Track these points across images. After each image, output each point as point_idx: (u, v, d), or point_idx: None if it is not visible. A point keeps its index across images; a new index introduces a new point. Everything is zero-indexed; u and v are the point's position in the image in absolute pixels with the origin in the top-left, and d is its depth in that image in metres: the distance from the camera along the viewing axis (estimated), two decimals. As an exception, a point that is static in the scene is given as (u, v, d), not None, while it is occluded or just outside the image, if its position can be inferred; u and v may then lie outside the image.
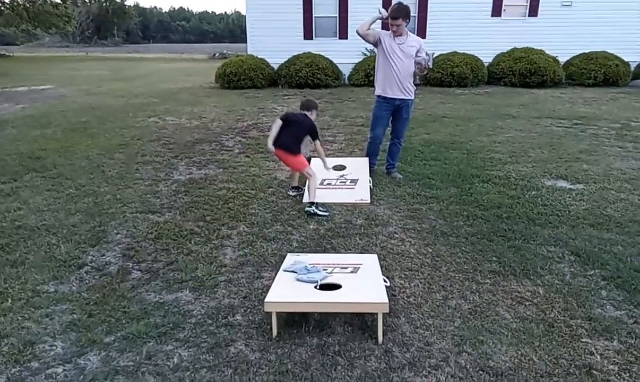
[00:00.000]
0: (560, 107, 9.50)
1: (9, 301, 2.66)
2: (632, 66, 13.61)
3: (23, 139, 6.77)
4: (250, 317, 2.50)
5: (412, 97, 4.76)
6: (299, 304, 2.38)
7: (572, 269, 2.95)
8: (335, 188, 4.49)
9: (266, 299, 2.36)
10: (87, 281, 2.90)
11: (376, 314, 2.28)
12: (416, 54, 4.56)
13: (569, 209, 3.95)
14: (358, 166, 4.81)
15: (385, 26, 4.77)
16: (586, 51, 13.63)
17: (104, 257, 3.22)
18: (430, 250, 3.25)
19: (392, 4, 4.56)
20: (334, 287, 2.47)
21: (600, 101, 10.25)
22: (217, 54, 34.05)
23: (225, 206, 4.18)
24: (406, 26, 4.53)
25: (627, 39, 14.17)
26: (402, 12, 4.45)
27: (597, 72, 13.02)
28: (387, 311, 2.29)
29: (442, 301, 2.61)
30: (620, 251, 3.16)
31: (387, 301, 2.27)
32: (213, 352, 2.23)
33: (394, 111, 4.79)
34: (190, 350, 2.25)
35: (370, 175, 4.66)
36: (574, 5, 14.96)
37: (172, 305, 2.63)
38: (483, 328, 2.36)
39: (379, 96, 4.78)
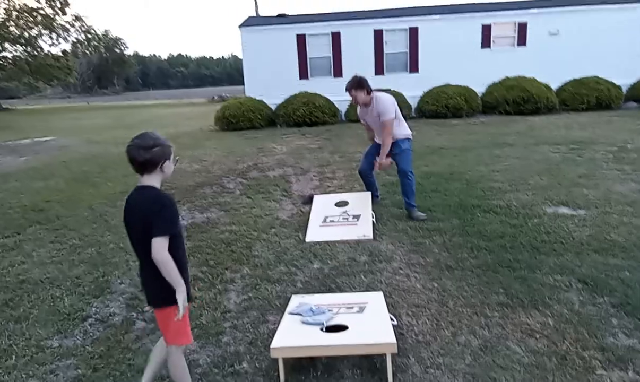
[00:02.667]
0: (555, 133, 9.61)
1: (13, 357, 2.62)
2: (624, 89, 13.83)
3: (26, 191, 6.82)
4: (257, 364, 2.46)
5: (401, 137, 4.69)
6: (306, 348, 2.34)
7: (581, 298, 2.92)
8: (338, 225, 4.50)
9: (272, 345, 2.33)
10: (91, 334, 2.87)
11: (385, 355, 2.24)
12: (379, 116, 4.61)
13: (573, 235, 3.94)
14: (360, 201, 4.83)
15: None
16: (577, 77, 13.90)
17: (107, 308, 3.20)
18: (436, 285, 3.22)
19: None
20: (341, 328, 2.44)
21: (595, 125, 10.37)
22: (215, 97, 34.77)
23: (228, 249, 4.18)
24: (366, 95, 4.56)
25: (616, 63, 14.46)
26: (350, 84, 4.56)
27: (590, 96, 13.24)
28: (396, 352, 2.25)
29: (452, 338, 2.57)
30: (627, 276, 3.13)
31: (395, 341, 2.24)
32: (220, 403, 2.18)
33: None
34: (197, 402, 2.20)
35: (373, 209, 4.67)
36: (561, 34, 15.37)
37: (177, 355, 2.59)
38: (495, 364, 2.31)
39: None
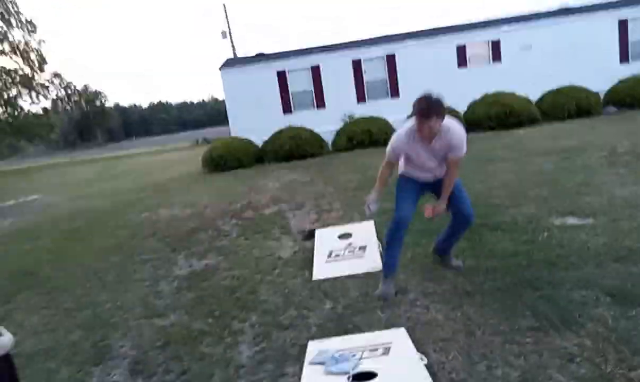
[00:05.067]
0: (543, 143, 9.65)
1: None
2: (601, 95, 14.13)
3: (13, 255, 6.54)
4: (282, 425, 2.25)
5: None
6: (336, 402, 2.15)
7: (612, 312, 2.78)
8: (344, 259, 4.33)
9: (298, 402, 2.13)
10: (95, 409, 2.63)
11: (422, 400, 2.06)
12: (447, 154, 3.36)
13: (587, 246, 3.82)
14: (364, 231, 4.69)
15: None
16: (554, 87, 14.18)
17: (110, 376, 2.95)
18: (458, 314, 3.05)
19: (418, 98, 3.19)
20: (369, 376, 2.26)
21: (581, 132, 10.48)
22: (199, 141, 34.75)
23: (233, 296, 3.97)
24: (440, 122, 3.19)
25: (590, 70, 14.85)
26: (433, 108, 3.12)
27: (570, 105, 13.48)
28: (434, 397, 2.07)
29: (487, 372, 2.39)
30: (654, 284, 3.02)
31: (432, 384, 2.06)
32: None
33: (437, 192, 3.62)
34: None
35: (378, 238, 4.52)
36: (534, 48, 15.79)
37: (192, 423, 2.37)
38: (540, 397, 2.14)
39: (402, 175, 3.65)
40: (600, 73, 14.72)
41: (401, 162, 3.63)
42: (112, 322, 3.77)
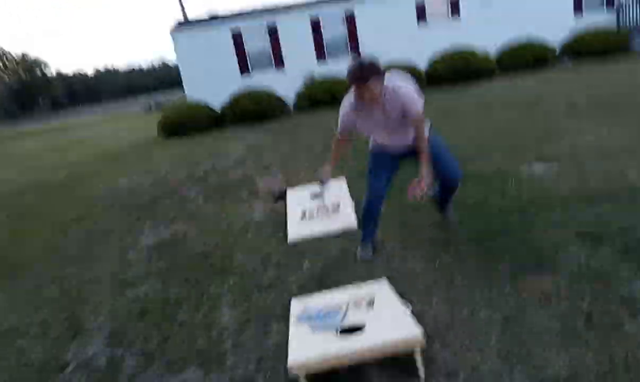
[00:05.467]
0: (505, 94, 9.86)
1: (-17, 432, 2.24)
2: (557, 45, 14.61)
3: (-39, 234, 6.10)
4: (273, 383, 2.23)
5: (427, 129, 3.15)
6: (328, 359, 2.12)
7: (584, 251, 2.89)
8: (318, 218, 4.29)
9: (289, 362, 2.09)
10: (73, 384, 2.51)
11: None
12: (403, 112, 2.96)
13: (555, 189, 3.96)
14: (335, 188, 4.64)
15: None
16: (512, 39, 14.44)
17: (87, 349, 2.82)
18: (437, 263, 3.10)
19: (350, 66, 2.86)
20: (356, 329, 2.25)
21: (539, 84, 10.76)
22: (152, 106, 33.13)
23: (207, 261, 3.87)
24: (380, 82, 2.86)
25: (547, 21, 15.19)
26: (367, 71, 2.80)
27: (528, 57, 13.84)
28: (424, 345, 2.09)
29: (471, 315, 2.45)
30: (620, 222, 3.16)
31: (421, 334, 2.08)
32: (244, 436, 1.94)
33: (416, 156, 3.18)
34: (216, 440, 1.95)
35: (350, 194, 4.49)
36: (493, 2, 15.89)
37: (180, 390, 2.31)
38: (524, 336, 2.21)
39: (371, 150, 3.38)
40: (556, 24, 15.15)
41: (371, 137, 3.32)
42: (82, 297, 3.59)
